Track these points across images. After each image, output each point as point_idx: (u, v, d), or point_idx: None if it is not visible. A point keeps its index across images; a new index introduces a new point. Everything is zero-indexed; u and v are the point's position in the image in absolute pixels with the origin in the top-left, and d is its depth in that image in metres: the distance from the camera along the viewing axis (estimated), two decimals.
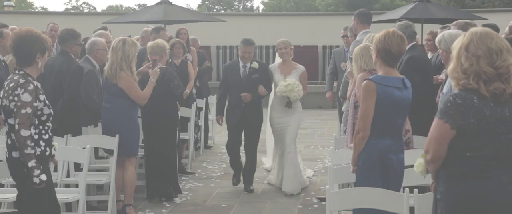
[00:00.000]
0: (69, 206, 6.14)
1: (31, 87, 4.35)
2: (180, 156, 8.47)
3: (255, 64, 7.55)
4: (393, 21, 13.54)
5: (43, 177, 4.35)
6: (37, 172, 4.32)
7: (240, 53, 7.65)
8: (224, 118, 7.93)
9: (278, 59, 8.01)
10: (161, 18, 13.21)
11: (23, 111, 4.31)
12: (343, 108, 7.34)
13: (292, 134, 7.62)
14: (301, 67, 7.71)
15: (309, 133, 12.62)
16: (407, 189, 4.17)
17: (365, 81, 4.46)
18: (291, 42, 7.79)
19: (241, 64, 7.62)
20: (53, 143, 4.59)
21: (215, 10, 54.16)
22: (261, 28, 20.64)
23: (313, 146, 11.04)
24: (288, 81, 7.41)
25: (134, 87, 6.45)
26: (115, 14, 22.60)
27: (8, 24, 9.36)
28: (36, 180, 4.32)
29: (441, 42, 5.30)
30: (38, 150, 4.40)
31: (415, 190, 4.20)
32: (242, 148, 7.90)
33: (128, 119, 6.48)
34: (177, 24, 13.37)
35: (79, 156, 5.93)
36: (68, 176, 6.40)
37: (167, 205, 7.01)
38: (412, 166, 5.14)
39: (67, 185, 6.36)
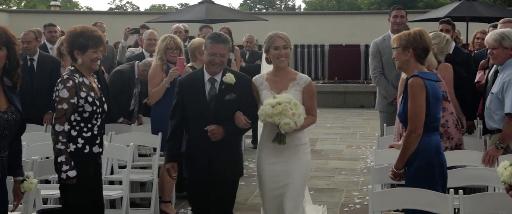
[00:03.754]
0: (113, 203, 6.23)
1: (70, 83, 4.40)
2: None
3: (229, 78, 4.76)
4: (437, 20, 13.38)
5: (71, 173, 4.37)
6: (65, 167, 4.36)
7: (205, 59, 4.83)
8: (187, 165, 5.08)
9: (266, 67, 5.19)
10: (203, 17, 13.31)
11: (59, 106, 4.38)
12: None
13: (293, 196, 4.79)
14: (303, 78, 4.86)
15: (351, 133, 12.53)
16: (452, 190, 4.11)
17: (411, 78, 4.37)
18: (290, 39, 4.94)
19: (206, 77, 4.80)
20: (103, 143, 4.65)
21: (256, 9, 54.24)
22: (302, 27, 20.60)
23: (355, 146, 10.95)
24: (278, 97, 4.61)
25: (150, 81, 6.53)
26: (157, 13, 22.84)
27: (54, 23, 9.58)
28: (63, 175, 4.38)
29: (503, 40, 5.24)
30: (72, 147, 4.43)
31: (460, 191, 4.13)
32: None
33: None
34: (219, 23, 13.44)
35: (123, 154, 6.01)
36: (112, 173, 6.49)
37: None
38: (453, 167, 5.10)
39: (111, 182, 6.45)
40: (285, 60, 4.86)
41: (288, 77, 4.86)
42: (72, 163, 4.39)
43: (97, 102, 4.53)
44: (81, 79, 4.48)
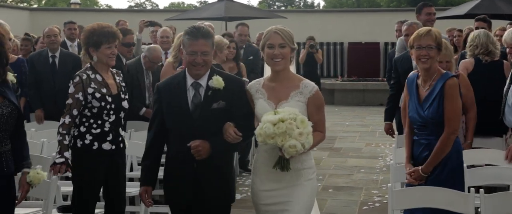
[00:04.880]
0: (132, 199, 6.25)
1: (76, 79, 4.56)
2: (245, 153, 8.49)
3: (217, 81, 3.91)
4: (457, 17, 13.28)
5: (58, 159, 4.49)
6: (57, 156, 4.51)
7: (185, 59, 3.97)
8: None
9: (268, 71, 4.24)
10: (222, 15, 13.33)
11: (67, 101, 4.56)
12: None
13: None
14: (308, 86, 3.95)
15: (370, 131, 12.46)
16: (472, 189, 4.07)
17: (450, 79, 4.27)
18: (292, 36, 3.97)
19: (189, 81, 3.97)
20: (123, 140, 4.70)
21: (275, 7, 54.14)
22: (322, 25, 20.53)
23: (374, 144, 10.90)
24: (281, 112, 3.73)
25: (162, 78, 6.51)
26: (177, 11, 22.87)
27: (74, 21, 9.66)
28: (51, 162, 4.57)
29: None
30: (80, 143, 4.54)
31: (481, 190, 4.10)
32: None
33: None
34: (237, 20, 13.45)
35: (142, 151, 5.99)
36: (131, 170, 6.51)
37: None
38: (472, 166, 5.06)
39: (131, 179, 6.47)
40: (282, 62, 3.89)
41: (289, 84, 3.94)
42: (65, 153, 4.50)
43: (109, 99, 4.57)
44: (93, 76, 4.58)
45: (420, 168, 4.28)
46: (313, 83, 3.98)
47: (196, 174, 3.92)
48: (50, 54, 7.69)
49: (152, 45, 7.69)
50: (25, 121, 5.81)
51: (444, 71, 4.35)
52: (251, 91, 4.01)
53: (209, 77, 3.94)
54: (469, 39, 6.16)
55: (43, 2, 38.59)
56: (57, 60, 7.70)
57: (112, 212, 4.73)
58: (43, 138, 6.05)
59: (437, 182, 4.21)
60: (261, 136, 3.69)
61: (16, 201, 3.97)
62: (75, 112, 4.52)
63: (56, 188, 4.74)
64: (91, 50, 4.60)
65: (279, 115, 3.69)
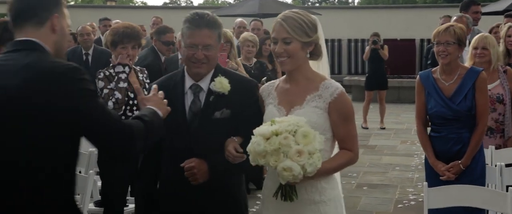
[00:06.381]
0: None
1: (101, 75, 4.90)
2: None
3: (221, 84, 3.12)
4: (497, 13, 13.05)
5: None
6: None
7: (184, 54, 3.14)
8: None
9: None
10: (256, 12, 13.35)
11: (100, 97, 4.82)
12: None
13: None
14: (331, 87, 3.01)
15: (406, 128, 12.34)
16: (511, 188, 3.99)
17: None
18: (305, 25, 2.99)
19: (188, 83, 3.18)
20: None
21: (309, 3, 53.96)
22: (356, 21, 20.41)
23: (409, 142, 10.79)
24: (279, 122, 2.81)
25: None
26: (211, 7, 22.99)
27: (109, 18, 9.78)
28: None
29: None
30: None
31: None
32: None
33: None
34: (272, 17, 13.44)
35: None
36: None
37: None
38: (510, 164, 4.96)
39: None
40: (287, 61, 3.00)
41: (307, 85, 3.03)
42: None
43: (131, 95, 4.87)
44: (114, 73, 4.90)
45: (459, 162, 4.30)
46: (337, 84, 3.02)
47: (194, 199, 3.09)
48: (83, 51, 7.81)
49: None
50: None
51: (468, 66, 4.39)
52: (263, 96, 3.17)
53: (212, 80, 3.13)
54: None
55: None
56: (90, 58, 7.84)
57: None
58: None
59: (470, 180, 4.22)
60: (251, 153, 2.79)
61: None
62: (110, 103, 4.74)
63: (93, 183, 4.80)
64: (111, 49, 4.99)
65: (274, 126, 2.76)
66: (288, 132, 2.73)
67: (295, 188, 2.87)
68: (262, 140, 2.74)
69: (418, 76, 4.54)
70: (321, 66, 3.18)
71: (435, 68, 4.49)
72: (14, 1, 2.43)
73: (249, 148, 2.79)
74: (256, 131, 2.79)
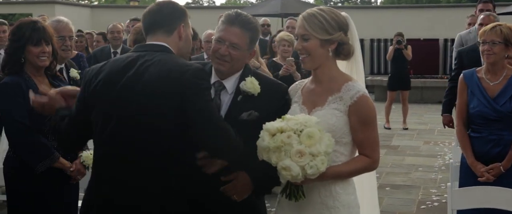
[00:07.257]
0: None
1: None
2: None
3: (252, 84, 3.00)
4: None
5: None
6: None
7: (211, 48, 3.06)
8: None
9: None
10: (278, 12, 13.36)
11: None
12: None
13: None
14: (352, 89, 2.90)
15: (429, 129, 12.26)
16: None
17: None
18: (325, 22, 2.91)
19: (212, 78, 3.06)
20: None
21: (332, 3, 53.81)
22: (379, 21, 20.31)
23: (433, 142, 10.72)
24: (288, 120, 2.74)
25: None
26: (233, 7, 23.03)
27: (139, 18, 9.88)
28: None
29: None
30: None
31: None
32: None
33: None
34: (294, 17, 13.44)
35: None
36: None
37: None
38: None
39: None
40: (307, 59, 2.92)
41: (331, 85, 2.93)
42: None
43: None
44: None
45: (500, 164, 4.21)
46: (359, 87, 2.89)
47: (211, 209, 2.96)
48: (112, 50, 7.88)
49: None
50: None
51: None
52: (291, 94, 3.10)
53: (240, 80, 3.02)
54: None
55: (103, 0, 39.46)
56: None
57: None
58: None
59: (508, 183, 4.11)
60: (258, 148, 2.75)
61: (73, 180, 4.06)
62: None
63: None
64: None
65: (281, 123, 2.71)
66: (294, 130, 2.67)
67: (301, 188, 2.80)
68: (267, 135, 2.70)
69: (461, 74, 4.43)
70: (354, 68, 3.09)
71: (479, 68, 4.38)
72: (152, 13, 2.91)
73: (258, 142, 2.74)
74: (265, 125, 2.73)
